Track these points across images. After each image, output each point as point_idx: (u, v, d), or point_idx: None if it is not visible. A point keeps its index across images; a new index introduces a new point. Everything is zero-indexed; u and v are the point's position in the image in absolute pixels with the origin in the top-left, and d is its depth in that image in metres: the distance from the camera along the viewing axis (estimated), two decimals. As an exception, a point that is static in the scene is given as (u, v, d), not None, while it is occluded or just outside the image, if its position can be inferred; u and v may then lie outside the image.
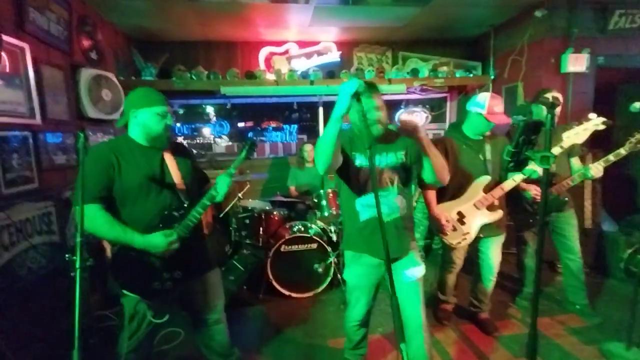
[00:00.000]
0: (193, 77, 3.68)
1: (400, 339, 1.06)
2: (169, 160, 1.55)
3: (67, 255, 0.91)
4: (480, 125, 2.03)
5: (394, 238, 1.51)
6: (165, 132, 1.51)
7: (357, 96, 1.22)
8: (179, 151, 1.64)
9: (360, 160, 1.57)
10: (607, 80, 3.67)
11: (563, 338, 2.24)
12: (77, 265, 0.89)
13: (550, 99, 0.96)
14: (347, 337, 1.88)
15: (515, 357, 2.07)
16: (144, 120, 1.46)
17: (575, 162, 2.33)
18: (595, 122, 1.96)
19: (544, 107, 2.21)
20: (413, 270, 1.56)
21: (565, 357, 2.07)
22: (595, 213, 3.19)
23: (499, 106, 1.97)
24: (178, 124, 4.51)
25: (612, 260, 3.03)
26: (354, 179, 1.58)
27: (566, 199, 2.38)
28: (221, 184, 1.52)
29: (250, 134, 4.78)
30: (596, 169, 2.09)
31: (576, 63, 3.36)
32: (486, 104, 1.96)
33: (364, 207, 1.57)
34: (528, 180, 2.26)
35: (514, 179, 2.01)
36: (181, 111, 4.56)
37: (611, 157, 2.08)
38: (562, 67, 3.40)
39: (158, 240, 1.40)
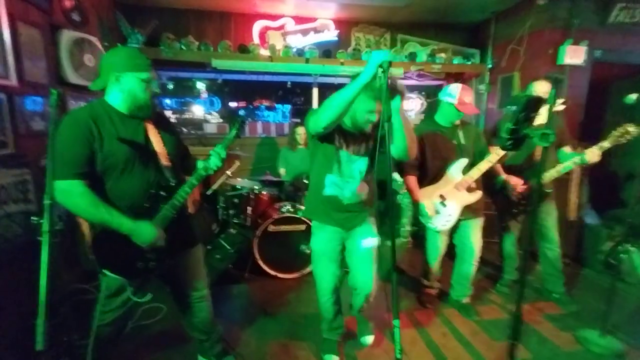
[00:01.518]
0: (182, 46, 3.51)
1: (395, 316, 1.12)
2: (153, 133, 1.43)
3: (33, 218, 0.85)
4: (451, 114, 2.13)
5: (354, 214, 1.74)
6: (151, 100, 1.39)
7: (383, 67, 1.18)
8: (162, 124, 1.51)
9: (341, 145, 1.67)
10: (602, 76, 3.68)
11: (540, 324, 2.30)
12: (45, 229, 0.83)
13: (555, 75, 0.93)
14: (323, 316, 1.96)
15: (494, 341, 2.12)
16: (129, 87, 1.32)
17: (568, 150, 2.33)
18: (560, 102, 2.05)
19: (539, 89, 2.22)
20: (368, 240, 1.75)
21: (542, 342, 2.12)
22: (580, 206, 3.25)
23: (468, 97, 2.07)
24: (167, 100, 4.35)
25: (592, 252, 3.10)
26: (333, 154, 1.66)
27: (549, 190, 2.40)
28: (214, 159, 1.45)
29: (242, 112, 4.64)
30: (592, 154, 2.05)
31: (574, 55, 3.34)
32: (457, 95, 2.06)
33: (331, 184, 1.70)
34: (509, 170, 2.31)
35: (490, 160, 2.08)
36: (170, 86, 4.39)
37: (595, 149, 2.05)
38: (559, 59, 3.38)
39: (146, 232, 1.32)
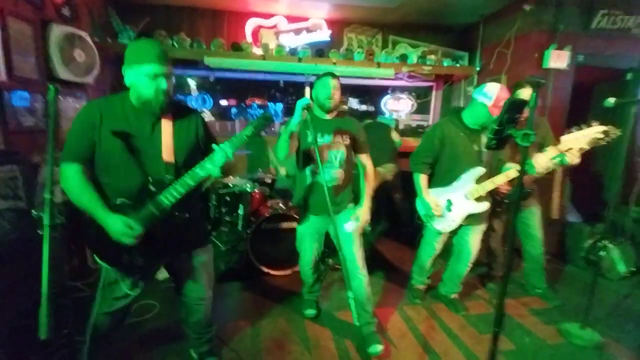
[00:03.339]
0: (175, 44, 3.50)
1: (348, 288, 1.44)
2: (166, 127, 1.37)
3: (34, 212, 0.86)
4: (483, 115, 2.03)
5: (335, 199, 1.98)
6: (157, 98, 1.30)
7: (306, 109, 1.67)
8: (182, 117, 1.44)
9: (310, 139, 1.86)
10: (585, 79, 3.81)
11: (525, 318, 2.38)
12: (46, 222, 0.84)
13: (536, 79, 0.98)
14: (304, 281, 2.32)
15: (481, 334, 2.19)
16: (133, 81, 1.29)
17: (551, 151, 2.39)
18: (596, 130, 1.94)
19: (523, 90, 2.26)
20: (349, 224, 1.98)
21: (526, 334, 2.21)
22: (562, 205, 3.36)
23: (505, 100, 1.95)
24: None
25: (574, 249, 3.22)
26: (306, 152, 1.96)
27: (530, 190, 2.46)
28: (218, 157, 1.32)
29: (233, 110, 4.64)
30: (572, 156, 2.05)
31: (558, 59, 3.45)
32: (494, 96, 1.94)
33: (311, 173, 1.99)
34: None
35: (507, 175, 2.03)
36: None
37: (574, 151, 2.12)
38: (544, 63, 3.48)
39: (115, 226, 1.24)
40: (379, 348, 1.91)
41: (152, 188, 1.33)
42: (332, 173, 1.95)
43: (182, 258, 1.55)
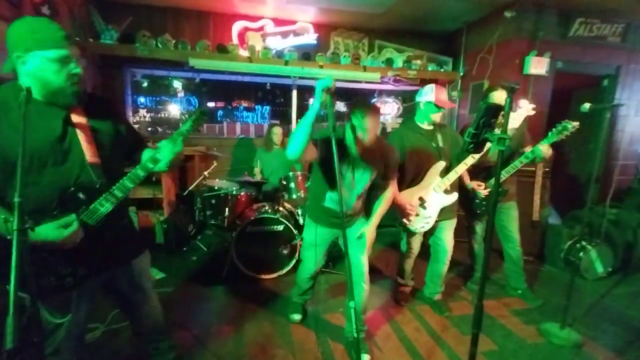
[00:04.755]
0: (159, 44, 3.45)
1: (350, 297, 1.38)
2: (79, 121, 1.17)
3: (2, 217, 0.82)
4: (431, 111, 2.22)
5: (348, 219, 1.96)
6: (71, 84, 1.12)
7: (329, 91, 1.42)
8: (96, 109, 1.25)
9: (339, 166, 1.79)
10: (563, 85, 3.94)
11: (506, 318, 2.43)
12: (15, 227, 0.81)
13: (510, 85, 1.01)
14: (298, 285, 2.28)
15: (464, 335, 2.22)
16: (36, 70, 1.06)
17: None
18: (526, 108, 2.18)
19: (495, 93, 2.33)
20: (359, 233, 1.97)
21: (507, 335, 2.25)
22: (543, 207, 3.45)
23: (443, 94, 2.20)
24: (142, 98, 4.24)
25: (554, 250, 3.30)
26: (330, 176, 1.84)
27: (505, 189, 2.50)
28: (165, 150, 1.23)
29: (220, 113, 4.60)
30: (545, 149, 2.22)
31: (538, 65, 3.56)
32: (434, 93, 2.18)
33: (331, 200, 1.92)
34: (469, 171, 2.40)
35: (466, 163, 2.17)
36: (145, 83, 4.29)
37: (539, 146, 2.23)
38: (525, 69, 3.59)
39: (49, 234, 1.06)
40: (366, 358, 1.94)
41: (82, 196, 1.15)
42: (352, 203, 1.92)
43: (120, 271, 1.40)
